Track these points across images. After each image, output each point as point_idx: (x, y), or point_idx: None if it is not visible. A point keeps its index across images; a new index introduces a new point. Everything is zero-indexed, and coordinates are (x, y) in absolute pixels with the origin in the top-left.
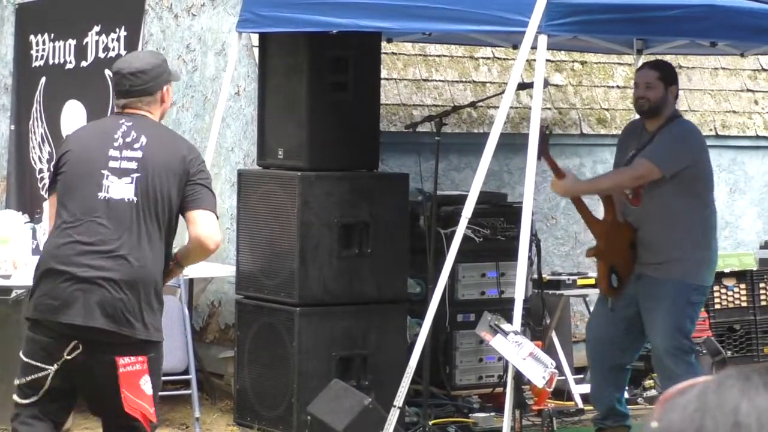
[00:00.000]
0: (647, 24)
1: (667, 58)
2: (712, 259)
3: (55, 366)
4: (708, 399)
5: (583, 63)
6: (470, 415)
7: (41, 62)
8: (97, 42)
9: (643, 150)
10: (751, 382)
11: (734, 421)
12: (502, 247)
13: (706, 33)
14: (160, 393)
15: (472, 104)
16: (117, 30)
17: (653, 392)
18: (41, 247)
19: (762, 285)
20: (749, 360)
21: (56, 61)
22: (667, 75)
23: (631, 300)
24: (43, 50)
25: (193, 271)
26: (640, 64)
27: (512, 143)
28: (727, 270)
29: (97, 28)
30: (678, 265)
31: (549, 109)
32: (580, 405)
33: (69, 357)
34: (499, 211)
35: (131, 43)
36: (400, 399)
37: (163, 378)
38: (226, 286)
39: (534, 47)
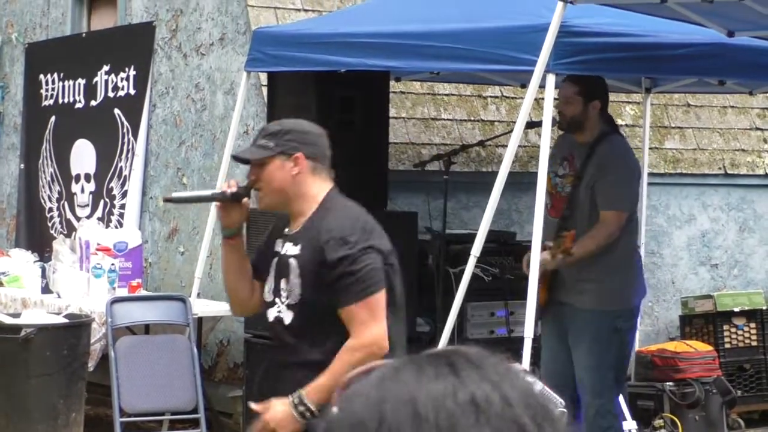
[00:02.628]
0: (656, 62)
1: (676, 96)
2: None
3: None
4: (387, 388)
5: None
6: None
7: (51, 101)
8: (106, 81)
9: (585, 166)
10: (424, 370)
11: (413, 411)
12: (511, 286)
13: (714, 71)
14: None
15: (481, 143)
16: (126, 69)
17: None
18: (51, 285)
19: None
20: (760, 400)
21: (66, 101)
22: (588, 90)
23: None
24: (53, 89)
25: (201, 310)
26: (648, 102)
27: (521, 182)
28: (737, 309)
29: (106, 68)
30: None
31: None
32: None
33: None
34: (508, 250)
35: (140, 83)
36: None
37: (172, 417)
38: (235, 324)
39: (542, 86)
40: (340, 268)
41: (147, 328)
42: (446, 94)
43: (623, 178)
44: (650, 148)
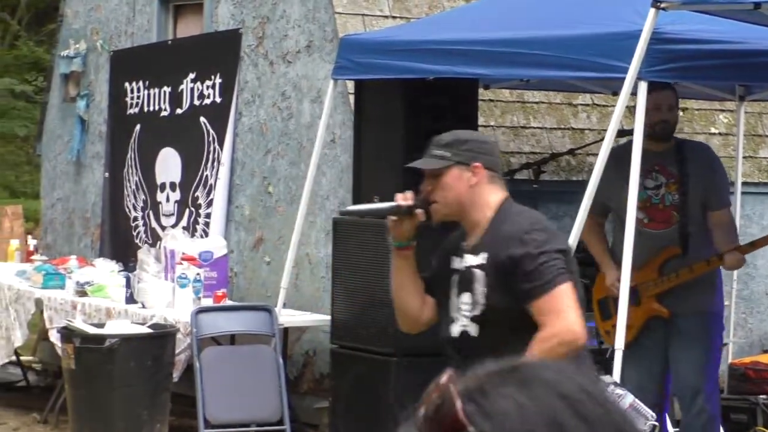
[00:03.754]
0: (750, 70)
1: None
2: None
3: None
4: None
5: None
6: None
7: (136, 109)
8: (192, 89)
9: (684, 170)
10: (565, 371)
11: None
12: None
13: None
14: None
15: (571, 152)
16: (212, 77)
17: None
18: (135, 295)
19: None
20: None
21: (151, 109)
22: (678, 97)
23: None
24: (138, 97)
25: (287, 320)
26: (742, 110)
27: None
28: None
29: (192, 75)
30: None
31: None
32: None
33: None
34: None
35: (226, 91)
36: None
37: (257, 428)
38: (321, 335)
39: (634, 93)
40: (524, 266)
41: (232, 339)
42: (536, 102)
43: (725, 176)
44: (744, 157)
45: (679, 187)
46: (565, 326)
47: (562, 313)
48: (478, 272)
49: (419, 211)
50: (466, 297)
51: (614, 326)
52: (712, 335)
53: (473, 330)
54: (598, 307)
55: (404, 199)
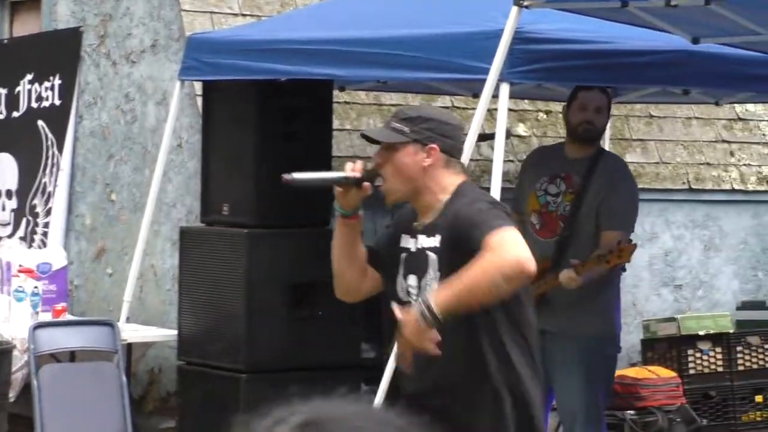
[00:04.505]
0: (617, 71)
1: (637, 107)
2: None
3: None
4: None
5: (548, 113)
6: None
7: None
8: (29, 91)
9: (587, 183)
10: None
11: None
12: None
13: (679, 80)
14: None
15: None
16: (51, 78)
17: None
18: None
19: (739, 348)
20: (726, 429)
21: None
22: (610, 104)
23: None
24: None
25: (131, 335)
26: None
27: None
28: (701, 332)
29: (29, 76)
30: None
31: (512, 161)
32: None
33: None
34: None
35: (66, 92)
36: None
37: None
38: (167, 351)
39: (495, 96)
40: (473, 228)
41: (72, 355)
42: (393, 105)
43: (630, 198)
44: None
45: (574, 199)
46: (516, 254)
47: (513, 245)
48: (432, 256)
49: (367, 184)
50: (412, 280)
51: None
52: (586, 361)
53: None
54: None
55: (353, 170)
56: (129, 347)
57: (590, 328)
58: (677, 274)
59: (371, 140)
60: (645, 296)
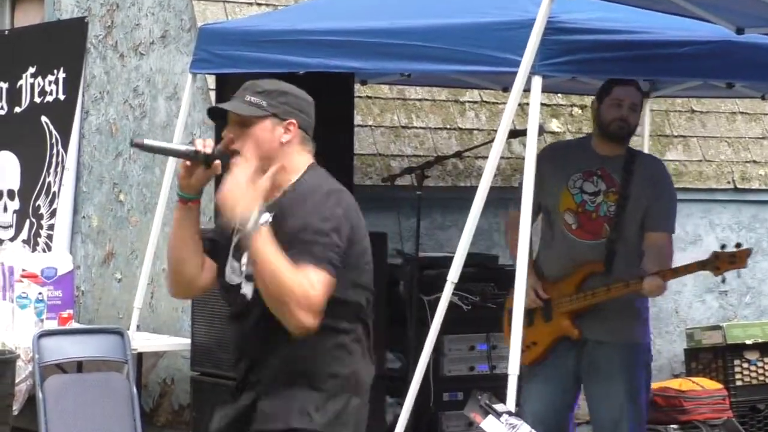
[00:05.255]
0: (655, 63)
1: (678, 101)
2: None
3: None
4: None
5: (582, 107)
6: None
7: None
8: (32, 85)
9: (628, 182)
10: None
11: None
12: (494, 317)
13: (722, 73)
14: None
15: (458, 154)
16: (55, 71)
17: None
18: None
19: None
20: None
21: None
22: (643, 101)
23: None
24: None
25: (141, 344)
26: (648, 108)
27: (503, 198)
28: (749, 342)
29: (32, 70)
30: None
31: None
32: None
33: None
34: (490, 276)
35: (71, 86)
36: None
37: None
38: (180, 361)
39: (527, 90)
40: (300, 233)
41: (79, 366)
42: (418, 99)
43: (674, 200)
44: None
45: (618, 199)
46: (309, 286)
47: (317, 295)
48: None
49: (217, 162)
50: (245, 258)
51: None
52: (630, 369)
53: (248, 289)
54: (507, 317)
55: (204, 146)
56: (139, 357)
57: (633, 335)
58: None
59: (218, 115)
60: (688, 303)
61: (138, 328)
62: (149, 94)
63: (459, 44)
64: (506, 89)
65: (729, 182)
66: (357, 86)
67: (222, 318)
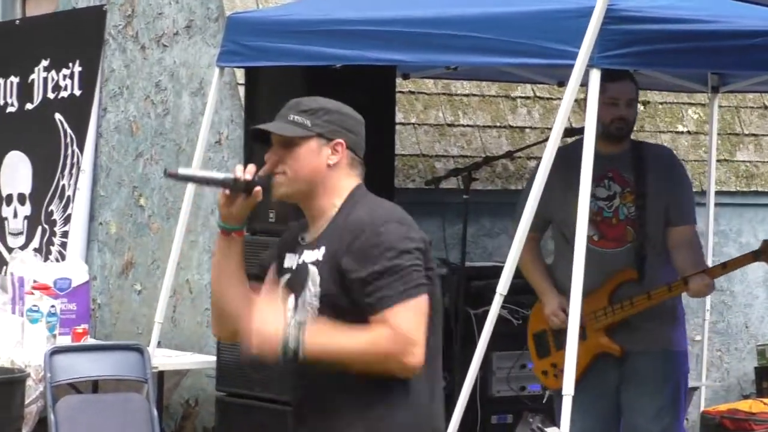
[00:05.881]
0: (725, 55)
1: (750, 96)
2: None
3: None
4: None
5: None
6: None
7: None
8: (45, 79)
9: (642, 179)
10: None
11: None
12: None
13: None
14: None
15: (509, 154)
16: (70, 65)
17: None
18: None
19: None
20: None
21: None
22: (638, 87)
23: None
24: None
25: (163, 362)
26: (716, 104)
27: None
28: None
29: (45, 63)
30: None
31: None
32: None
33: None
34: None
35: (88, 81)
36: None
37: None
38: (204, 380)
39: (584, 84)
40: (372, 263)
41: (95, 386)
42: (465, 95)
43: (691, 188)
44: (718, 161)
45: (636, 199)
46: (407, 342)
47: (409, 330)
48: (313, 269)
49: (258, 189)
50: (291, 301)
51: (553, 365)
52: (674, 378)
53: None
54: (533, 342)
55: (243, 172)
56: (161, 376)
57: (673, 342)
58: None
59: (262, 137)
60: (759, 317)
61: (159, 344)
62: (173, 90)
63: (510, 35)
64: (562, 84)
65: None
66: (399, 80)
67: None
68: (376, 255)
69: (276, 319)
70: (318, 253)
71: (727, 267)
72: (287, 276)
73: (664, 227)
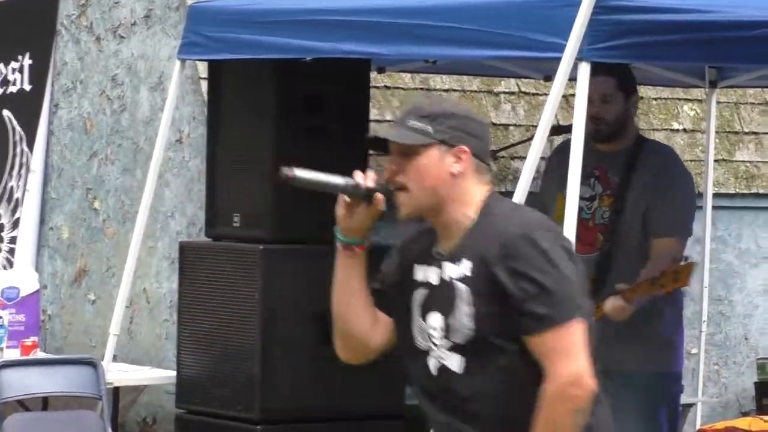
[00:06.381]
0: (724, 47)
1: (750, 92)
2: None
3: None
4: None
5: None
6: None
7: None
8: None
9: (627, 181)
10: None
11: None
12: None
13: None
14: None
15: (492, 154)
16: (20, 58)
17: None
18: None
19: None
20: None
21: None
22: (627, 80)
23: None
24: None
25: (118, 377)
26: (714, 99)
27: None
28: None
29: None
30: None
31: None
32: None
33: None
34: None
35: (38, 75)
36: None
37: None
38: (163, 397)
39: (573, 78)
40: (528, 281)
41: (45, 403)
42: (445, 90)
43: (686, 195)
44: (716, 161)
45: (614, 203)
46: (574, 376)
47: (573, 358)
48: (461, 287)
49: (379, 197)
50: (435, 319)
51: None
52: (663, 401)
53: (455, 364)
54: None
55: (365, 178)
56: (116, 392)
57: (649, 362)
58: None
59: (378, 145)
60: (759, 329)
61: (114, 358)
62: (130, 84)
63: (493, 25)
64: (548, 78)
65: None
66: (373, 74)
67: (213, 345)
68: (530, 271)
69: None
70: (463, 268)
71: (635, 291)
72: (423, 291)
73: (645, 236)
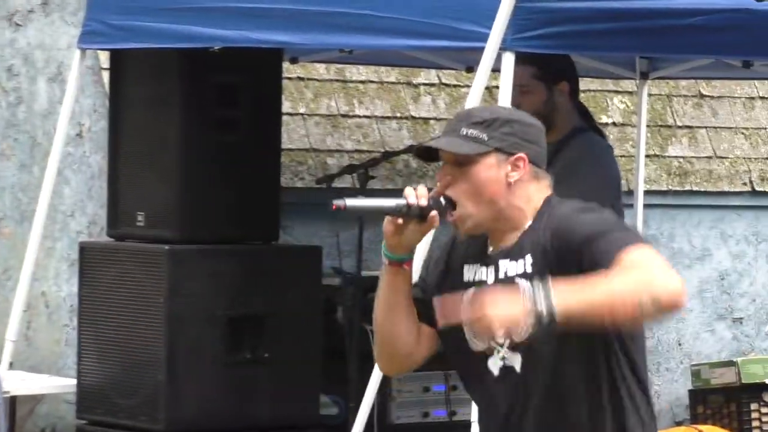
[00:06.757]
0: (655, 37)
1: (683, 83)
2: None
3: None
4: None
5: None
6: None
7: None
8: None
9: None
10: None
11: None
12: None
13: (738, 49)
14: None
15: (411, 149)
16: None
17: None
18: None
19: None
20: None
21: None
22: (550, 68)
23: None
24: None
25: (15, 386)
26: (645, 92)
27: None
28: None
29: None
30: None
31: None
32: None
33: None
34: None
35: None
36: None
37: None
38: (63, 407)
39: (496, 70)
40: (583, 237)
41: None
42: (362, 81)
43: (594, 187)
44: (647, 156)
45: None
46: (673, 278)
47: (662, 266)
48: (523, 283)
49: (434, 214)
50: None
51: None
52: None
53: (517, 362)
54: None
55: (417, 196)
56: (13, 401)
57: None
58: (737, 303)
59: (428, 156)
60: (694, 333)
61: (11, 365)
62: (27, 75)
63: (412, 14)
64: (471, 69)
65: (745, 183)
66: (286, 65)
67: (116, 352)
68: (595, 234)
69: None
70: (523, 264)
71: None
72: (476, 291)
73: None
